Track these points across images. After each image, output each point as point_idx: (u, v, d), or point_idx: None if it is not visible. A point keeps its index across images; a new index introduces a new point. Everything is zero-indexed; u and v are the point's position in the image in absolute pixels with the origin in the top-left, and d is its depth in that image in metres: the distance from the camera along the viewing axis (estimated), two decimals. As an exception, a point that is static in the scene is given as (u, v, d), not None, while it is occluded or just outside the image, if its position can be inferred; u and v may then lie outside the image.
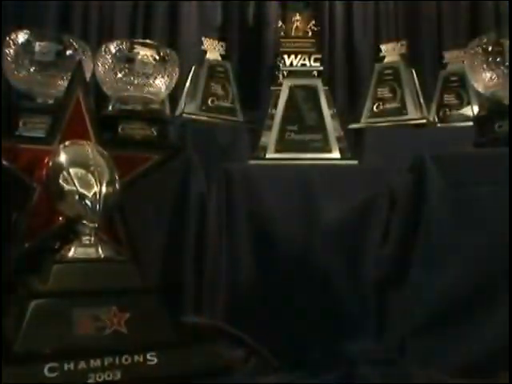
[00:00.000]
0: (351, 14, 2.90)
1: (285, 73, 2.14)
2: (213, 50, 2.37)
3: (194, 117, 2.23)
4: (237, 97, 2.33)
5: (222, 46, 2.38)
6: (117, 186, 1.36)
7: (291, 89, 1.98)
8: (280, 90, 2.03)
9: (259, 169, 1.83)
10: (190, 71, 2.36)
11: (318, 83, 2.00)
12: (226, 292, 1.74)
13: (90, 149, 1.34)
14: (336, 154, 1.89)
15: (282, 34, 2.62)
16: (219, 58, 2.36)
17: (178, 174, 1.74)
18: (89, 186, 1.28)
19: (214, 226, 1.76)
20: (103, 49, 1.86)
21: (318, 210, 1.73)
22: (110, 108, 1.94)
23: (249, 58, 2.79)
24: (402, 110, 2.27)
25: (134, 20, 2.76)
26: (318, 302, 1.72)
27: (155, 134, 1.79)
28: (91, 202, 1.26)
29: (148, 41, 1.93)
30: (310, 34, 2.60)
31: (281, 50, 2.55)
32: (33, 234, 1.31)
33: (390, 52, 2.38)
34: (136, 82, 1.85)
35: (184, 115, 2.23)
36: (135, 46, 1.86)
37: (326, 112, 1.97)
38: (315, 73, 2.03)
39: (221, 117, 2.27)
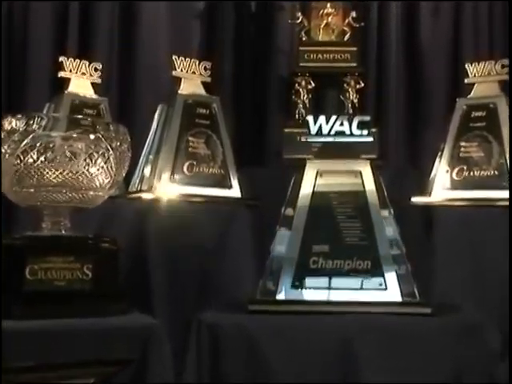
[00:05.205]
0: (415, 15, 2.59)
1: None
2: (191, 78, 2.10)
3: (158, 196, 1.97)
4: (230, 155, 2.09)
5: (205, 69, 2.13)
6: None
7: (319, 178, 1.74)
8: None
9: (265, 321, 1.62)
10: (153, 115, 2.13)
11: (365, 170, 1.72)
12: None
13: None
14: (393, 295, 1.65)
15: (303, 35, 2.36)
16: (202, 92, 2.12)
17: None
18: None
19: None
20: (-6, 127, 1.64)
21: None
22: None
23: (249, 73, 2.54)
24: (501, 180, 2.00)
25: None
26: None
27: (90, 275, 1.55)
28: None
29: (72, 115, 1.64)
30: (349, 34, 2.34)
31: (301, 64, 2.33)
32: None
33: (484, 77, 2.09)
34: (56, 180, 1.58)
35: (143, 195, 1.98)
36: (50, 121, 1.61)
37: (378, 219, 1.71)
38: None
39: (203, 192, 2.02)
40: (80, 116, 1.68)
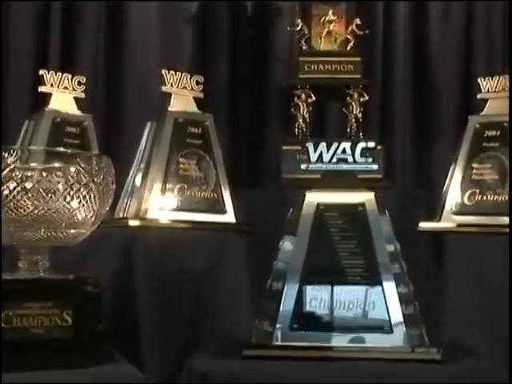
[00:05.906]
0: (424, 20, 2.51)
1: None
2: (182, 93, 2.05)
3: (146, 223, 1.93)
4: (223, 177, 2.04)
5: (197, 83, 2.08)
6: None
7: (320, 210, 1.67)
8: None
9: (261, 368, 1.57)
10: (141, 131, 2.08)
11: (369, 201, 1.66)
12: None
13: None
14: (399, 339, 1.60)
15: (303, 44, 2.32)
16: (194, 109, 2.07)
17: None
18: None
19: None
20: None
21: None
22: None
23: (245, 85, 2.49)
24: (516, 205, 1.93)
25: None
26: None
27: (71, 321, 1.50)
28: None
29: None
30: (353, 43, 2.29)
31: (300, 76, 2.29)
32: None
33: (497, 93, 2.02)
34: (34, 214, 1.53)
35: (130, 222, 1.91)
36: (25, 153, 1.55)
37: (383, 255, 1.66)
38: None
39: (195, 218, 1.98)
40: (60, 149, 1.61)
